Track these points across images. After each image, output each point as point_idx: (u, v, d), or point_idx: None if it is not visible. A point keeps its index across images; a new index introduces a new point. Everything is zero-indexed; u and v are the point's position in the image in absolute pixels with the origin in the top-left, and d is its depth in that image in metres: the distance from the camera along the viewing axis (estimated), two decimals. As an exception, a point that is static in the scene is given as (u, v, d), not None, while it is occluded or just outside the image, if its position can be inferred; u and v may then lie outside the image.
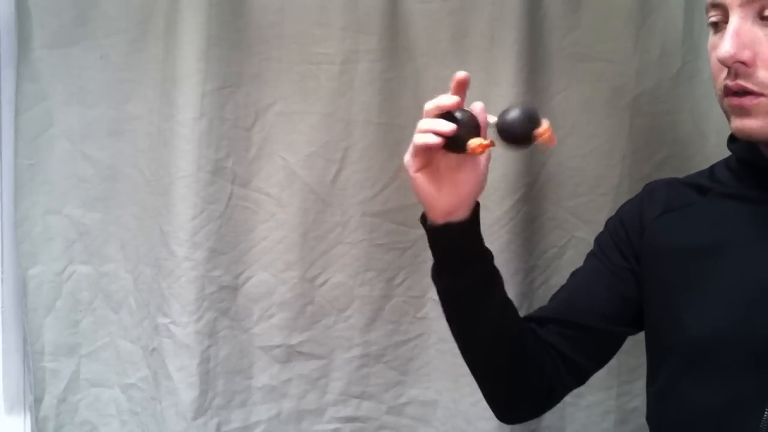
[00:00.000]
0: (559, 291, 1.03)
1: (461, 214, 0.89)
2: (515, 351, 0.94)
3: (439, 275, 0.93)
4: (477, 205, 0.92)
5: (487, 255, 0.93)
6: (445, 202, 0.89)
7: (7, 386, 1.44)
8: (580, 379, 1.00)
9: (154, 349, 1.35)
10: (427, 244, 1.33)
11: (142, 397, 1.38)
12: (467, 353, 0.96)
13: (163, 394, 1.33)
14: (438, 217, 0.90)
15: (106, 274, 1.39)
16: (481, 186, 0.90)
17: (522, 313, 0.99)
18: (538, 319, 0.99)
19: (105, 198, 1.37)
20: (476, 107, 0.87)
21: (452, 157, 0.87)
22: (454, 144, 0.84)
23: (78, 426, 1.40)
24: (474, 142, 0.83)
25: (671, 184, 0.96)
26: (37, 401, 1.39)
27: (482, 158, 0.89)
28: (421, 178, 0.88)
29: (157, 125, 1.33)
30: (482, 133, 0.86)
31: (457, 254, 0.91)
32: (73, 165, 1.36)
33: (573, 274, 1.03)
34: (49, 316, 1.38)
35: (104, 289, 1.39)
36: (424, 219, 0.93)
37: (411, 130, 1.31)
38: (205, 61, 1.28)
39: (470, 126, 0.84)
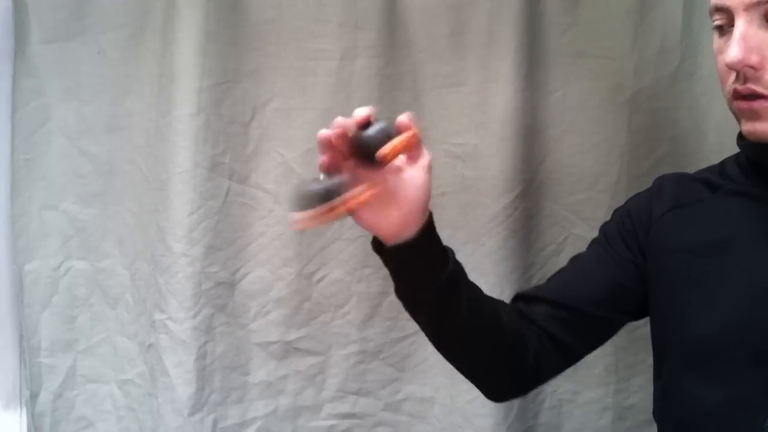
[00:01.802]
0: (557, 272, 1.03)
1: (413, 229, 0.85)
2: (493, 337, 0.93)
3: (402, 293, 0.90)
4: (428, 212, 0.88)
5: (446, 256, 0.89)
6: (394, 224, 0.85)
7: (3, 382, 1.44)
8: (570, 359, 0.99)
9: (150, 345, 1.35)
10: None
11: (139, 393, 1.38)
12: (445, 352, 0.95)
13: (159, 390, 1.33)
14: (390, 239, 0.86)
15: (103, 270, 1.38)
16: (425, 197, 0.85)
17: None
18: (528, 297, 0.99)
19: (102, 194, 1.37)
20: (400, 118, 0.82)
21: (388, 180, 0.83)
22: (365, 158, 0.79)
23: (74, 422, 1.40)
24: (382, 151, 0.77)
25: (681, 179, 0.95)
26: (34, 397, 1.39)
27: (419, 169, 0.84)
28: (364, 212, 0.84)
29: (154, 121, 1.33)
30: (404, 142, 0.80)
31: (417, 268, 0.87)
32: (70, 160, 1.36)
33: (573, 259, 1.03)
34: (46, 311, 1.38)
35: (101, 285, 1.39)
36: (375, 244, 0.89)
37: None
38: (202, 56, 1.27)
39: (378, 138, 0.78)
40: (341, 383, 1.38)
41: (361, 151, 0.80)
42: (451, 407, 1.37)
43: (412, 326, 1.37)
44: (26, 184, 1.36)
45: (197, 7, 1.26)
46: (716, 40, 0.81)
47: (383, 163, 0.79)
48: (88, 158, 1.36)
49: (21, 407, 1.45)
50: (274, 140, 1.33)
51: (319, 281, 1.36)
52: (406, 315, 1.36)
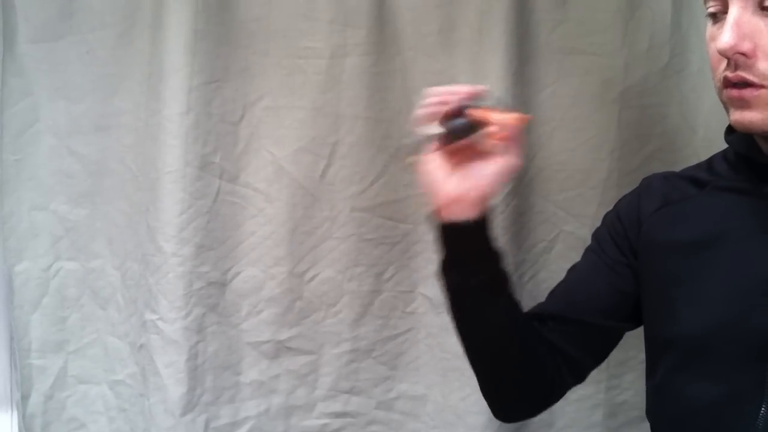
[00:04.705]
0: (557, 287, 1.02)
1: (467, 211, 0.87)
2: (519, 353, 0.93)
3: (446, 271, 0.91)
4: (488, 208, 0.90)
5: (498, 256, 0.91)
6: (451, 190, 0.87)
7: (-7, 384, 1.44)
8: (579, 376, 1.00)
9: (141, 346, 1.34)
10: (416, 239, 1.35)
11: (130, 394, 1.38)
12: (470, 352, 0.95)
13: (151, 390, 1.33)
14: (441, 207, 0.88)
15: (93, 270, 1.38)
16: (491, 184, 0.88)
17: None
18: (538, 316, 0.98)
19: (92, 194, 1.36)
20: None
21: (470, 148, 0.87)
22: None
23: (65, 423, 1.40)
24: (474, 112, 0.83)
25: (669, 177, 0.95)
26: (24, 398, 1.39)
27: (499, 162, 0.87)
28: (434, 160, 0.88)
29: (143, 120, 1.32)
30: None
31: (465, 253, 0.89)
32: (59, 160, 1.35)
33: (571, 270, 1.03)
34: (36, 312, 1.37)
35: (91, 286, 1.38)
36: (432, 215, 0.91)
37: (399, 124, 1.32)
38: (191, 55, 1.27)
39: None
40: (333, 382, 1.37)
41: (460, 113, 0.85)
42: (443, 405, 1.37)
43: (404, 324, 1.39)
44: (15, 185, 1.35)
45: (186, 5, 1.26)
46: (709, 28, 0.80)
47: (472, 126, 0.84)
48: (78, 158, 1.35)
49: (12, 409, 1.45)
50: (263, 139, 1.33)
51: (310, 280, 1.35)
52: (398, 313, 1.39)
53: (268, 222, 1.33)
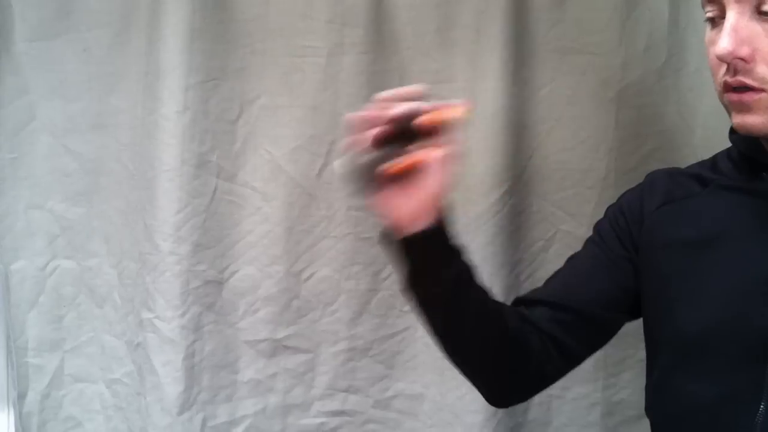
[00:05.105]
0: (554, 274, 1.02)
1: (426, 219, 0.84)
2: (499, 340, 0.92)
3: (415, 283, 0.88)
4: (444, 205, 0.86)
5: (460, 253, 0.88)
6: (407, 209, 0.83)
7: (-10, 382, 1.43)
8: (572, 362, 0.98)
9: (138, 344, 1.34)
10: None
11: (127, 393, 1.38)
12: (451, 353, 0.94)
13: (148, 389, 1.33)
14: (403, 228, 0.84)
15: (90, 268, 1.38)
16: (444, 188, 0.84)
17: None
18: (529, 300, 0.98)
19: (88, 192, 1.36)
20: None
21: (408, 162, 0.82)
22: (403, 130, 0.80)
23: (62, 422, 1.40)
24: (419, 119, 0.78)
25: (673, 174, 0.95)
26: (21, 397, 1.38)
27: (445, 157, 0.83)
28: (380, 183, 0.83)
29: (140, 119, 1.32)
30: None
31: (432, 259, 0.86)
32: (55, 159, 1.35)
33: (570, 259, 1.02)
34: (33, 311, 1.37)
35: (88, 284, 1.38)
36: (384, 237, 0.88)
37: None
38: (188, 53, 1.27)
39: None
40: (330, 381, 1.37)
41: (401, 123, 0.80)
42: (440, 404, 1.37)
43: (402, 323, 1.39)
44: (11, 183, 1.35)
45: (183, 4, 1.26)
46: (708, 32, 0.81)
47: (419, 133, 0.80)
48: (74, 157, 1.35)
49: (8, 407, 1.45)
50: (261, 138, 1.33)
51: (307, 279, 1.35)
52: (395, 312, 1.39)
53: (265, 221, 1.33)
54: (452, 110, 0.80)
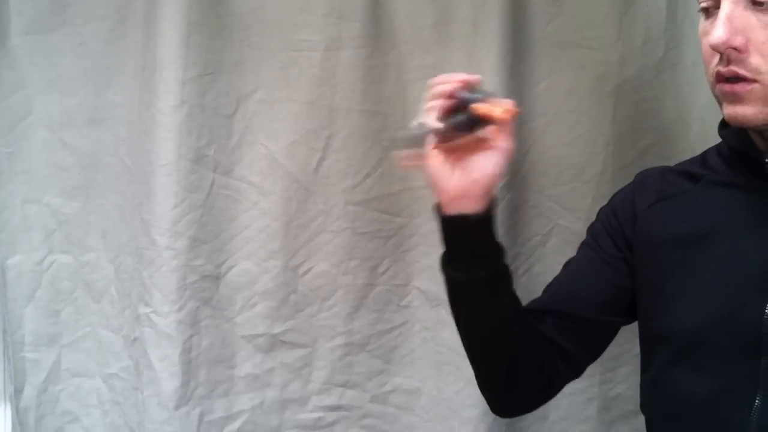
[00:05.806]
0: (552, 282, 1.02)
1: (473, 205, 0.87)
2: (518, 348, 0.93)
3: (449, 265, 0.91)
4: (492, 200, 0.90)
5: (501, 250, 0.91)
6: (456, 184, 0.87)
7: (-13, 377, 1.43)
8: (577, 371, 1.00)
9: (135, 339, 1.34)
10: (410, 233, 1.35)
11: (124, 387, 1.37)
12: (470, 347, 0.95)
13: (144, 383, 1.32)
14: (447, 202, 0.88)
15: (87, 263, 1.37)
16: (494, 176, 0.87)
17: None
18: (535, 311, 0.98)
19: (85, 187, 1.36)
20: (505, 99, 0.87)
21: (469, 140, 0.87)
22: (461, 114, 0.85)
23: (59, 416, 1.40)
24: (478, 107, 0.83)
25: (663, 172, 0.95)
26: (18, 392, 1.38)
27: (497, 152, 0.87)
28: (436, 155, 0.88)
29: (137, 113, 1.31)
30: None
31: (469, 247, 0.89)
32: (52, 153, 1.34)
33: (566, 265, 1.03)
34: (29, 306, 1.37)
35: (85, 279, 1.38)
36: (436, 208, 0.91)
37: (394, 117, 1.32)
38: (185, 47, 1.26)
39: (479, 98, 0.85)
40: (328, 375, 1.37)
41: (460, 107, 0.86)
42: (437, 398, 1.37)
43: (399, 318, 1.39)
44: (8, 178, 1.34)
45: (180, -3, 1.25)
46: (702, 23, 0.81)
47: (474, 121, 0.84)
48: (71, 151, 1.34)
49: (5, 402, 1.45)
50: (258, 132, 1.32)
51: (305, 273, 1.35)
52: (392, 307, 1.38)
53: (262, 215, 1.33)
54: (503, 109, 0.84)
